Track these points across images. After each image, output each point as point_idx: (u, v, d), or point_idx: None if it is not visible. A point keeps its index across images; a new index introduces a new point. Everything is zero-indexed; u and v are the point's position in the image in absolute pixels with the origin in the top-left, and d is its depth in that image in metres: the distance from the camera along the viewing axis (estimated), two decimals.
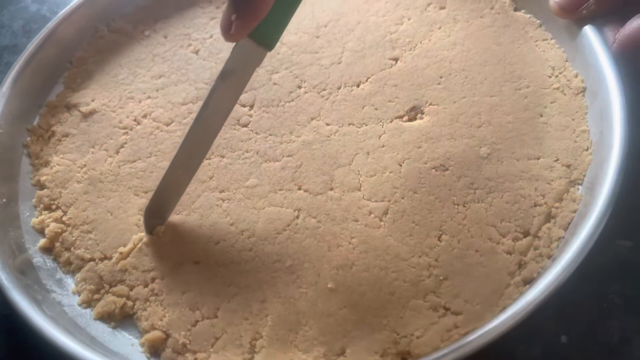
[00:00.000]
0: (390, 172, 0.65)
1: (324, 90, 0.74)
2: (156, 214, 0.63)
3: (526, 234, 0.59)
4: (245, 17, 0.47)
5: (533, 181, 0.63)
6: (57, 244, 0.65)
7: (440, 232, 0.60)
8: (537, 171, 0.64)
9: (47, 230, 0.65)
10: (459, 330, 0.53)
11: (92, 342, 0.56)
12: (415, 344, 0.53)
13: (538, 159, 0.64)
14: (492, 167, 0.65)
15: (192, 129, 0.59)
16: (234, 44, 0.54)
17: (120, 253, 0.62)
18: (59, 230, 0.65)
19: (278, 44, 0.65)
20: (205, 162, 0.69)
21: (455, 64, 0.75)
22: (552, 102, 0.69)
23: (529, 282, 0.56)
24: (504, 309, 0.54)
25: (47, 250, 0.65)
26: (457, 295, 0.56)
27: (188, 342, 0.56)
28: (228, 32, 0.48)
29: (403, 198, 0.63)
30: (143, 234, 0.63)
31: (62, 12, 0.82)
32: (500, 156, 0.65)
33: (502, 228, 0.60)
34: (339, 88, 0.74)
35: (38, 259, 0.64)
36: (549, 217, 0.60)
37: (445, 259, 0.58)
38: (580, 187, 0.62)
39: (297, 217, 0.63)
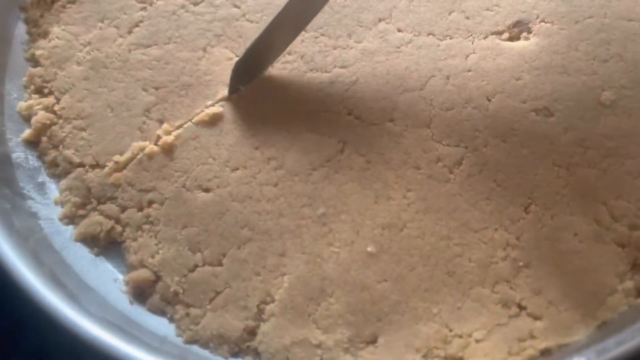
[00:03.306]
0: (474, 108, 0.49)
1: None
2: (248, 70, 0.51)
3: None
4: None
5: None
6: (44, 139, 0.53)
7: (529, 201, 0.45)
8: None
9: (34, 120, 0.53)
10: (536, 343, 0.40)
11: (64, 274, 0.45)
12: (471, 350, 0.40)
13: None
14: (616, 120, 0.47)
15: None
16: None
17: (116, 162, 0.50)
18: (48, 122, 0.53)
19: None
20: (235, 60, 0.53)
21: None
22: None
23: None
24: (603, 323, 0.40)
25: (32, 144, 0.53)
26: (539, 291, 0.42)
27: (181, 290, 0.45)
28: None
29: (486, 146, 0.47)
30: (146, 142, 0.50)
31: None
32: (629, 107, 0.48)
33: (617, 208, 0.44)
34: None
35: (19, 154, 0.52)
36: None
37: (530, 239, 0.43)
38: None
39: (341, 151, 0.48)
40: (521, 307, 0.41)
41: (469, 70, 0.51)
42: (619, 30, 0.51)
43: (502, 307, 0.41)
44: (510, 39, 0.52)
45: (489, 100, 0.49)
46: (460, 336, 0.41)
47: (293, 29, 0.49)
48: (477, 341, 0.40)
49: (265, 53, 0.50)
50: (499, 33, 0.52)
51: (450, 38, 0.52)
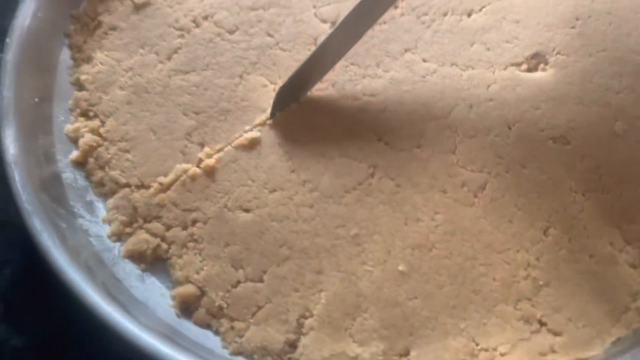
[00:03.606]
0: (496, 136, 0.52)
1: (426, 15, 0.59)
2: (292, 91, 0.54)
3: None
4: None
5: None
6: (91, 160, 0.56)
7: (548, 224, 0.48)
8: None
9: (81, 142, 0.56)
10: (557, 357, 0.43)
11: (115, 288, 0.48)
12: None
13: None
14: (628, 149, 0.51)
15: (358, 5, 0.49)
16: None
17: (160, 184, 0.53)
18: (94, 144, 0.56)
19: None
20: (270, 87, 0.57)
21: (598, 3, 0.58)
22: None
23: None
24: (618, 339, 0.43)
25: (80, 165, 0.56)
26: (559, 309, 0.45)
27: (226, 305, 0.48)
28: None
29: (507, 172, 0.51)
30: (188, 165, 0.54)
31: None
32: None
33: (630, 232, 0.48)
34: (445, 15, 0.59)
35: (68, 174, 0.55)
36: None
37: (550, 260, 0.47)
38: None
39: (372, 175, 0.52)
40: (542, 324, 0.45)
41: (491, 100, 0.54)
42: (631, 63, 0.55)
43: (524, 323, 0.45)
44: (529, 70, 0.56)
45: (510, 129, 0.53)
46: (487, 350, 0.44)
47: (334, 57, 0.53)
48: (502, 355, 0.44)
49: (308, 78, 0.54)
50: (518, 64, 0.56)
51: (473, 69, 0.56)
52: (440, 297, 0.46)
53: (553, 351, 0.43)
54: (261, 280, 0.49)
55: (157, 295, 0.50)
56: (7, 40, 0.57)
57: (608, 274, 0.46)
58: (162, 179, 0.53)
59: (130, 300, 0.48)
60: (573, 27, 0.57)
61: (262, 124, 0.55)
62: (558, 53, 0.56)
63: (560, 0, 0.59)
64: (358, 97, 0.56)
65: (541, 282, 0.46)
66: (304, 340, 0.46)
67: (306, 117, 0.55)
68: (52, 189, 0.53)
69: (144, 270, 0.51)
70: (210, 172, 0.53)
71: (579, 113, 0.53)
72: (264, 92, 0.57)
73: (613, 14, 0.58)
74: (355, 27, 0.51)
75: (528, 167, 0.51)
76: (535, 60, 0.56)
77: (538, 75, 0.55)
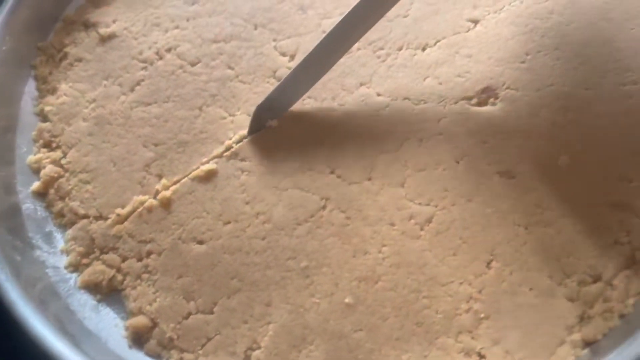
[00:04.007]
0: (444, 170, 0.54)
1: (382, 49, 0.61)
2: (267, 112, 0.56)
3: (597, 278, 0.48)
4: None
5: (619, 211, 0.51)
6: (52, 191, 0.57)
7: (491, 257, 0.50)
8: (628, 199, 0.51)
9: (42, 173, 0.58)
10: None
11: (68, 320, 0.49)
12: None
13: (631, 181, 0.52)
14: (571, 183, 0.52)
15: (335, 28, 0.52)
16: None
17: (118, 215, 0.54)
18: (56, 175, 0.58)
19: None
20: (229, 119, 0.59)
21: (547, 39, 0.60)
22: None
23: (590, 344, 0.45)
24: None
25: (40, 196, 0.57)
26: (497, 341, 0.46)
27: (176, 337, 0.49)
28: None
29: (453, 205, 0.52)
30: (146, 196, 0.55)
31: None
32: (584, 170, 0.53)
33: (569, 265, 0.49)
34: (400, 49, 0.61)
35: (28, 205, 0.56)
36: (630, 261, 0.49)
37: (491, 293, 0.48)
38: None
39: (324, 207, 0.53)
40: (481, 356, 0.46)
41: (440, 134, 0.56)
42: (577, 98, 0.56)
43: (464, 355, 0.46)
44: (479, 104, 0.57)
45: (458, 163, 0.54)
46: None
47: (305, 85, 0.56)
48: None
49: (286, 98, 0.57)
50: (469, 98, 0.57)
51: (425, 102, 0.58)
52: (384, 329, 0.48)
53: None
54: (211, 312, 0.50)
55: (111, 326, 0.51)
56: None
57: (546, 307, 0.47)
58: (119, 211, 0.55)
59: (81, 333, 0.49)
60: (523, 62, 0.59)
61: (219, 156, 0.56)
62: (508, 87, 0.58)
63: (512, 35, 0.61)
64: (313, 130, 0.57)
65: (482, 315, 0.47)
66: None
67: (261, 148, 0.56)
68: (10, 220, 0.54)
69: (99, 301, 0.52)
70: (166, 204, 0.54)
71: (525, 147, 0.54)
72: (222, 125, 0.58)
73: (561, 49, 0.59)
74: (329, 53, 0.54)
75: (474, 200, 0.52)
76: (486, 95, 0.58)
77: (488, 109, 0.57)
